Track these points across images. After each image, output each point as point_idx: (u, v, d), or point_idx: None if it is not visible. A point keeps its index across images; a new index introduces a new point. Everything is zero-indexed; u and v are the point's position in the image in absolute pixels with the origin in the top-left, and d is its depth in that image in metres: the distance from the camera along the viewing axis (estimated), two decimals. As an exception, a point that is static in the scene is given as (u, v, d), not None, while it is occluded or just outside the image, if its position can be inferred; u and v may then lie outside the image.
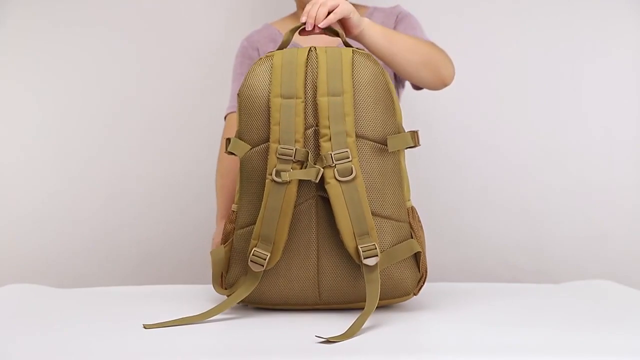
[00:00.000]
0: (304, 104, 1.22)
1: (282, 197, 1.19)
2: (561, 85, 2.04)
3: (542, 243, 2.04)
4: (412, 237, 1.26)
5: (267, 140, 1.23)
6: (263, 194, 1.24)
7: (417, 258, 1.26)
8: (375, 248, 1.18)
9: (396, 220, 1.24)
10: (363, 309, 1.19)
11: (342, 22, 1.36)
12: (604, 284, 1.52)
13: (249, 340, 1.09)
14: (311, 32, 1.34)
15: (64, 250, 2.05)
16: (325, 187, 1.19)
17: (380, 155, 1.24)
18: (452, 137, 2.05)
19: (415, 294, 1.27)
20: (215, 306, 1.22)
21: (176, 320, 1.18)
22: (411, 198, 1.30)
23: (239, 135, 1.27)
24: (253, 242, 1.21)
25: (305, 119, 1.22)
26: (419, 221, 1.29)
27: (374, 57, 1.29)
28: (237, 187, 1.29)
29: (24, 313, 1.29)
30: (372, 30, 1.40)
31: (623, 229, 2.02)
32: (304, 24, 1.35)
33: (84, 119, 2.06)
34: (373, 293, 1.17)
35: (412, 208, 1.28)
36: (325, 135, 1.20)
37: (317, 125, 1.22)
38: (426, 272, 1.27)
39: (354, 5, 1.64)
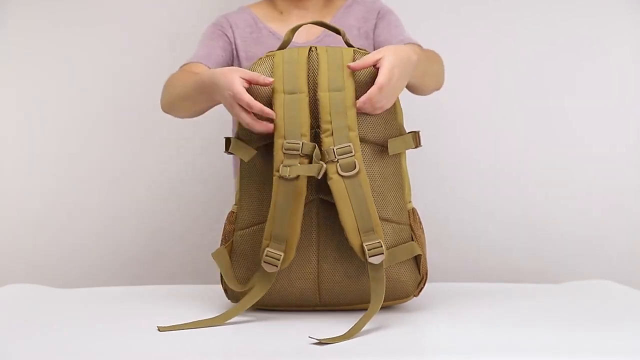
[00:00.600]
0: (307, 98, 1.21)
1: (291, 194, 1.17)
2: (561, 85, 2.03)
3: (542, 243, 2.03)
4: (412, 240, 1.26)
5: (269, 139, 1.23)
6: (265, 194, 1.24)
7: (418, 260, 1.26)
8: (381, 246, 1.17)
9: (397, 223, 1.24)
10: (364, 310, 1.19)
11: None
12: (604, 284, 1.52)
13: (249, 342, 1.09)
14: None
15: (64, 250, 2.04)
16: (328, 182, 1.18)
17: (381, 157, 1.24)
18: (451, 138, 2.04)
19: (415, 296, 1.27)
20: (231, 309, 1.20)
21: (191, 323, 1.17)
22: (412, 199, 1.30)
23: (238, 136, 1.27)
24: (265, 242, 1.19)
25: (310, 113, 1.21)
26: (420, 223, 1.29)
27: None
28: (237, 188, 1.29)
29: (24, 313, 1.29)
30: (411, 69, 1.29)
31: (623, 229, 2.02)
32: (305, 24, 1.34)
33: (84, 119, 2.05)
34: (378, 292, 1.16)
35: (413, 210, 1.28)
36: (327, 130, 1.19)
37: (318, 122, 1.21)
38: (427, 274, 1.27)
39: None
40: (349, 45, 1.30)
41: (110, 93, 2.05)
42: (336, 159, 1.18)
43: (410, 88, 1.43)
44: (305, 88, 1.20)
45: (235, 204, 1.29)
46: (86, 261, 2.05)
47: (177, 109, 1.48)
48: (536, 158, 2.04)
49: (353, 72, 1.21)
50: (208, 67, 1.54)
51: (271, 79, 1.19)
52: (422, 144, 1.28)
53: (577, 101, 2.04)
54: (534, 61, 2.03)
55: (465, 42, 2.02)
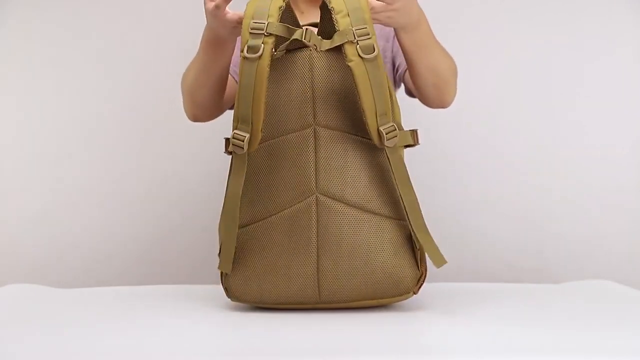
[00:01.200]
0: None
1: (254, 73, 1.16)
2: (561, 85, 2.03)
3: (542, 243, 2.03)
4: (412, 234, 1.25)
5: (266, 138, 1.24)
6: (257, 195, 1.24)
7: (417, 256, 1.26)
8: (395, 129, 1.19)
9: (395, 219, 1.24)
10: (363, 307, 1.19)
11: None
12: (604, 284, 1.52)
13: (249, 342, 1.09)
14: None
15: (64, 250, 2.04)
16: (349, 64, 1.16)
17: (379, 152, 1.24)
18: (452, 138, 2.04)
19: (415, 293, 1.27)
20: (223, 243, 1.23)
21: None
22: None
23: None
24: (234, 124, 1.19)
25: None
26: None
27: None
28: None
29: (24, 313, 1.29)
30: (418, 31, 1.31)
31: (623, 229, 2.02)
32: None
33: (84, 119, 2.05)
34: (401, 175, 1.20)
35: None
36: (341, 11, 1.17)
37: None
38: (426, 270, 1.27)
39: None
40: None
41: (110, 93, 2.05)
42: (355, 40, 1.16)
43: (410, 69, 1.40)
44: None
45: None
46: (86, 261, 2.05)
47: (198, 100, 1.45)
48: (536, 158, 2.04)
49: None
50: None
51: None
52: (420, 143, 1.27)
53: (577, 101, 2.04)
54: (534, 62, 2.03)
55: (469, 43, 2.02)
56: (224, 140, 1.29)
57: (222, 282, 1.30)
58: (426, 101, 1.49)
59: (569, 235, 2.02)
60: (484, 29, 2.03)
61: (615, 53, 2.02)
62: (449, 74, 1.44)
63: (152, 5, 2.05)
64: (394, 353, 1.01)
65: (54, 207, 2.04)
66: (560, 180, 2.03)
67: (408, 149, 1.28)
